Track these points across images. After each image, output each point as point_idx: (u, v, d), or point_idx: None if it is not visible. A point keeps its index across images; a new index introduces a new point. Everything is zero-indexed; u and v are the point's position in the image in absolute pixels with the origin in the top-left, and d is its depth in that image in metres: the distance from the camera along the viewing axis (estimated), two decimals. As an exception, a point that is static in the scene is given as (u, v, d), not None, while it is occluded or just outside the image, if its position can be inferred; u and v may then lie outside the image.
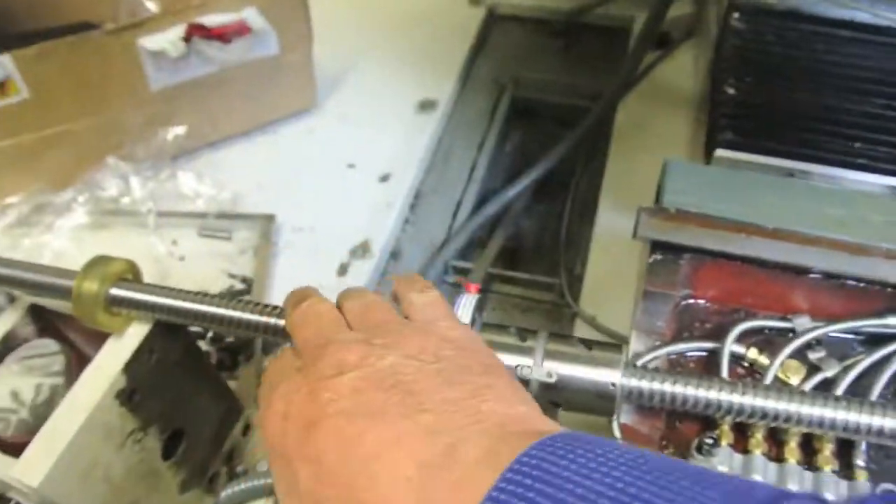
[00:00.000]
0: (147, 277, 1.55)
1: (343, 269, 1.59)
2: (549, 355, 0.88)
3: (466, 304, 0.90)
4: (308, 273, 1.57)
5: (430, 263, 1.62)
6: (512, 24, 2.22)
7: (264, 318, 0.99)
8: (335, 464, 0.58)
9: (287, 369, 0.70)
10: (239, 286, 1.55)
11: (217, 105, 1.67)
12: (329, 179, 1.74)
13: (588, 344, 0.89)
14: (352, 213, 1.68)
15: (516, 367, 0.88)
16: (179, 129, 1.62)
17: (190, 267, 1.58)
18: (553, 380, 0.88)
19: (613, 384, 0.86)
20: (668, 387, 0.87)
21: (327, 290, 1.55)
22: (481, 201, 1.76)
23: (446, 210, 1.76)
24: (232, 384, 1.41)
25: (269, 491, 1.28)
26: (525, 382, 0.87)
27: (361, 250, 1.62)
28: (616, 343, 0.90)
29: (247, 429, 1.33)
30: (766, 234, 0.97)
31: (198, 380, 1.19)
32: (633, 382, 0.87)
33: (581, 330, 1.44)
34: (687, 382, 0.87)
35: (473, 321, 0.90)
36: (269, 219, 1.62)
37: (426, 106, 1.90)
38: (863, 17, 1.40)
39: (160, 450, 1.13)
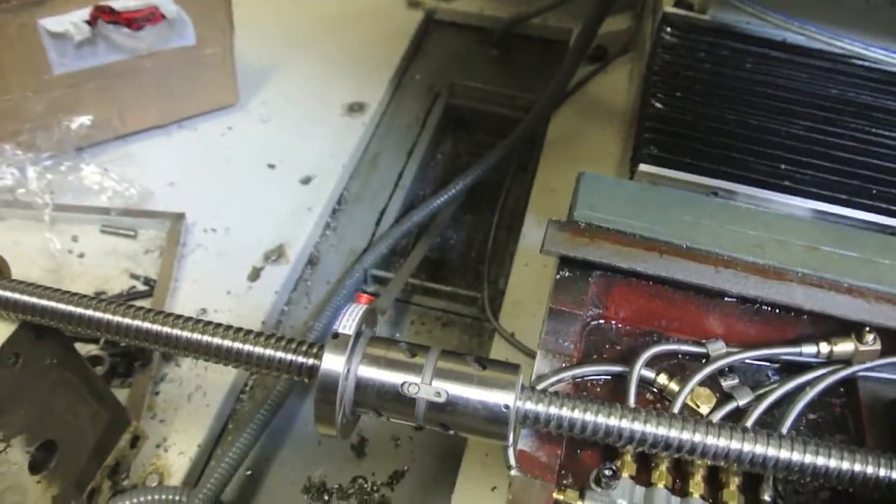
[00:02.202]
0: (41, 274, 1.45)
1: (255, 274, 1.50)
2: (440, 374, 0.82)
3: (352, 314, 0.83)
4: (217, 277, 1.49)
5: (348, 272, 1.55)
6: (449, 31, 2.17)
7: (137, 322, 0.91)
8: None
9: None
10: (141, 287, 1.45)
11: (127, 96, 1.58)
12: (247, 180, 1.66)
13: (483, 363, 0.82)
14: (269, 215, 1.60)
15: (402, 384, 0.81)
16: (85, 119, 1.52)
17: (89, 265, 1.48)
18: (442, 399, 0.81)
19: (507, 406, 0.79)
20: (566, 412, 0.80)
21: (236, 295, 1.47)
22: (407, 209, 1.69)
23: (370, 217, 1.69)
24: (124, 392, 1.32)
25: (156, 508, 1.19)
26: (411, 401, 0.81)
27: (276, 255, 1.54)
28: (513, 364, 0.83)
29: (135, 440, 1.23)
30: (680, 253, 0.92)
31: (74, 387, 1.09)
32: (529, 406, 0.81)
33: (499, 346, 1.38)
34: (586, 408, 0.80)
35: (359, 333, 0.83)
36: (179, 217, 1.53)
37: (355, 108, 1.83)
38: (794, 38, 1.38)
39: (27, 462, 1.03)
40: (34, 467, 1.03)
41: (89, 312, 0.91)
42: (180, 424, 1.29)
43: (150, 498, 1.17)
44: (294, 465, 1.32)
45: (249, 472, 1.31)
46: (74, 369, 1.08)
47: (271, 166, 1.69)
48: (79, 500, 1.12)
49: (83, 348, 1.31)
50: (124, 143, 1.67)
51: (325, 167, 1.70)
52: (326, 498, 1.29)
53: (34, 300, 0.93)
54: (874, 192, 1.18)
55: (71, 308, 0.92)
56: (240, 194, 1.62)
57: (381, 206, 1.72)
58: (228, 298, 1.45)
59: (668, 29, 1.40)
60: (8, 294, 0.93)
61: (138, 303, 1.42)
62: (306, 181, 1.67)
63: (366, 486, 1.30)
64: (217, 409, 1.32)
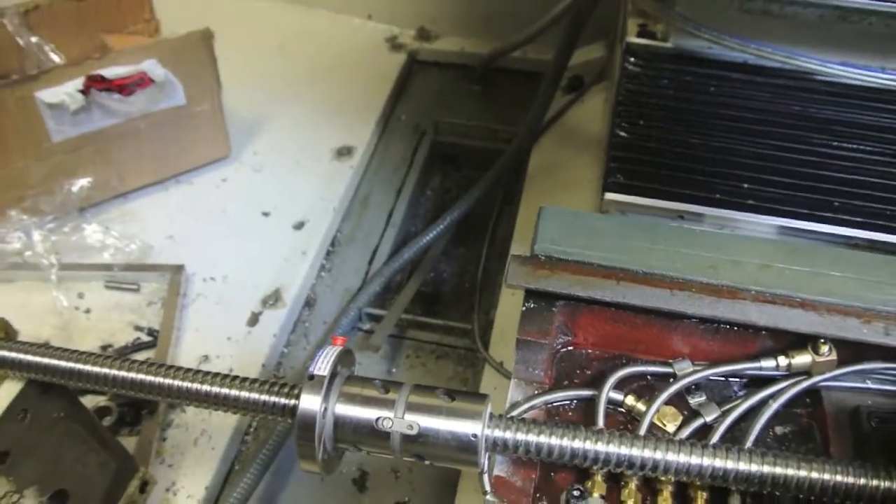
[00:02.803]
0: (50, 331, 1.53)
1: (254, 319, 1.56)
2: (411, 407, 0.86)
3: (327, 356, 0.89)
4: (218, 324, 1.55)
5: (343, 312, 1.60)
6: (432, 70, 2.25)
7: (140, 376, 0.97)
8: None
9: None
10: (145, 338, 1.51)
11: (124, 156, 1.65)
12: (242, 228, 1.73)
13: (452, 395, 0.87)
14: (265, 261, 1.66)
15: (377, 419, 0.86)
16: (85, 181, 1.59)
17: (96, 319, 1.54)
18: (414, 432, 0.86)
19: (475, 435, 0.84)
20: (532, 437, 0.85)
21: (237, 341, 1.53)
22: (399, 247, 1.75)
23: (363, 257, 1.75)
24: (133, 439, 1.38)
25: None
26: (386, 435, 0.86)
27: (273, 299, 1.60)
28: (482, 394, 0.88)
29: (144, 486, 1.28)
30: (636, 279, 0.96)
31: (82, 438, 1.14)
32: (497, 433, 0.85)
33: (490, 375, 1.42)
34: (552, 432, 0.85)
35: (335, 374, 0.88)
36: (178, 269, 1.59)
37: (343, 153, 1.90)
38: (754, 59, 1.42)
39: (40, 513, 1.08)
40: (47, 515, 1.08)
41: (84, 367, 0.98)
42: (188, 468, 1.34)
43: (160, 541, 1.23)
44: (299, 501, 1.37)
45: (256, 512, 1.36)
46: (81, 421, 1.14)
47: (265, 214, 1.76)
48: (92, 547, 1.17)
49: (93, 399, 1.38)
50: (124, 200, 1.74)
51: (318, 211, 1.76)
52: (331, 533, 1.33)
53: (38, 359, 1.00)
54: (836, 204, 1.22)
55: (70, 364, 0.98)
56: (236, 243, 1.69)
57: (373, 246, 1.78)
58: (229, 344, 1.51)
59: (632, 59, 1.46)
60: (13, 355, 1.00)
61: (143, 353, 1.49)
62: (299, 226, 1.73)
63: (368, 518, 1.35)
64: (222, 452, 1.37)
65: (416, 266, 1.75)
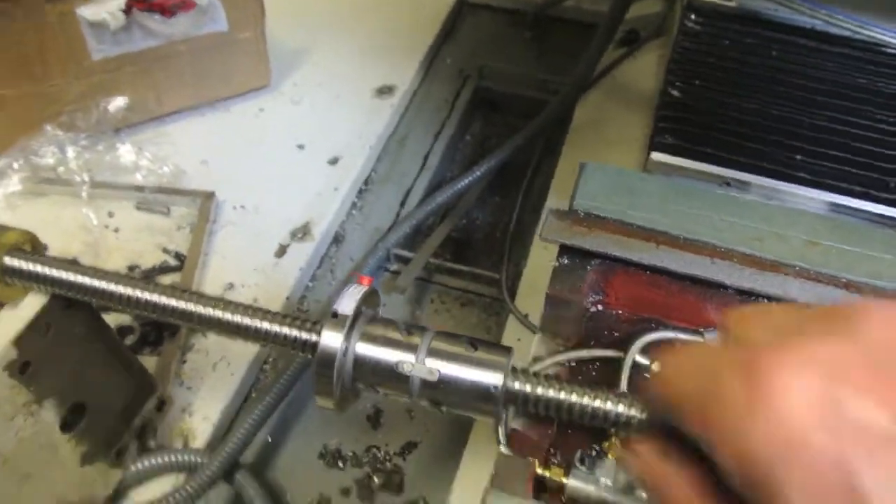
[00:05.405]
0: (79, 248, 1.53)
1: (282, 251, 1.55)
2: (433, 353, 0.85)
3: (352, 295, 0.87)
4: (245, 252, 1.54)
5: (372, 250, 1.58)
6: (482, 13, 2.18)
7: (162, 299, 0.96)
8: None
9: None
10: (172, 262, 1.51)
11: (162, 79, 1.63)
12: (276, 159, 1.71)
13: (475, 344, 0.85)
14: (297, 194, 1.64)
15: (397, 363, 0.84)
16: (121, 101, 1.57)
17: (124, 239, 1.54)
18: (434, 378, 0.85)
19: (496, 387, 0.82)
20: (552, 393, 0.83)
21: (263, 271, 1.52)
22: (433, 191, 1.72)
23: (395, 197, 1.73)
24: (154, 360, 1.38)
25: (179, 467, 1.25)
26: (406, 379, 0.84)
27: (302, 233, 1.58)
28: (506, 346, 0.86)
29: (161, 405, 1.30)
30: (677, 244, 0.93)
31: (103, 355, 1.15)
32: (517, 386, 0.84)
33: (513, 326, 1.40)
34: (572, 390, 0.83)
35: (359, 313, 0.87)
36: (209, 196, 1.58)
37: (384, 91, 1.86)
38: (823, 26, 1.35)
39: (58, 422, 1.09)
40: (65, 426, 1.10)
41: (107, 286, 0.97)
42: (205, 392, 1.35)
43: (173, 458, 1.24)
44: (312, 432, 1.37)
45: (270, 439, 1.36)
46: (104, 339, 1.14)
47: (300, 147, 1.74)
48: (106, 457, 1.19)
49: (117, 318, 1.39)
50: (160, 123, 1.73)
51: (353, 148, 1.73)
52: (341, 465, 1.34)
53: (62, 275, 0.99)
54: (892, 185, 1.17)
55: (93, 282, 0.97)
56: (269, 174, 1.67)
57: (406, 187, 1.75)
58: (255, 274, 1.51)
59: (693, 16, 1.40)
60: (38, 269, 0.99)
61: (169, 276, 1.49)
62: (334, 162, 1.71)
63: (379, 455, 1.35)
64: (241, 379, 1.37)
65: (449, 211, 1.72)
